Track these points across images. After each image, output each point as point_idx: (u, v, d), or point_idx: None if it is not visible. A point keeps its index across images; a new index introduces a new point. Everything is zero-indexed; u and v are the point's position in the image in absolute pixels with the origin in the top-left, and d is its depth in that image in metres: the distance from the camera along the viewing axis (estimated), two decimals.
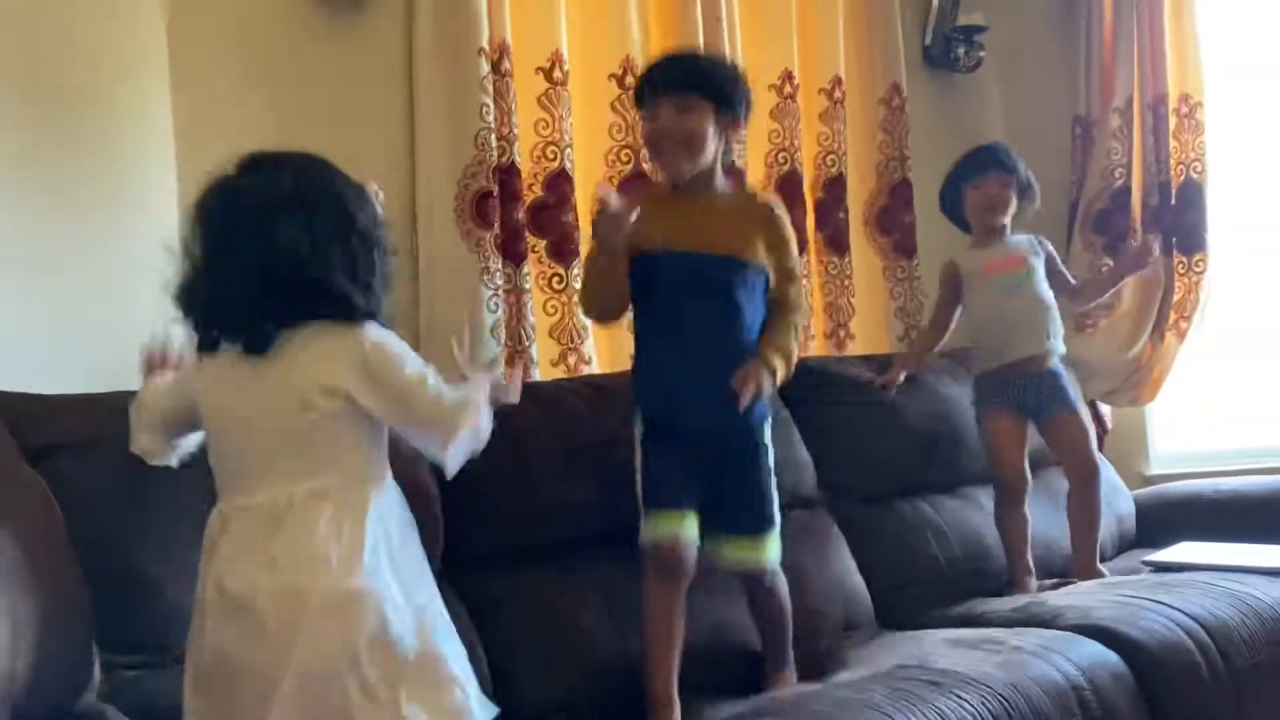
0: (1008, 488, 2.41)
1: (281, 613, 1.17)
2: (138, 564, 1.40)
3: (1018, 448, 2.42)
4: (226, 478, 1.29)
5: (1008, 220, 2.49)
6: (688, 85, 1.76)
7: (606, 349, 2.37)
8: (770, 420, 1.89)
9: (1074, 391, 2.49)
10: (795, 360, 1.85)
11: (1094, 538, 2.45)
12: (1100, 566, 2.44)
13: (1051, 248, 2.57)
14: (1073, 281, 2.60)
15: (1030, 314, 2.45)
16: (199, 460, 1.38)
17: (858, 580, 2.28)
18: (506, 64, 2.18)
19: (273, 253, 1.23)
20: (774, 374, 1.79)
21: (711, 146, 1.78)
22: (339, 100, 2.09)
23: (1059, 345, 2.46)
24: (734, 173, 2.39)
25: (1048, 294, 2.48)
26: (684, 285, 1.78)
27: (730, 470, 1.82)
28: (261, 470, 1.25)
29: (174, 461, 1.40)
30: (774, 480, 1.86)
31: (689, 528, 1.75)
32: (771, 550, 1.84)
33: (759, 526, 1.82)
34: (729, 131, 1.81)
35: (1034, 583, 2.37)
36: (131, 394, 1.47)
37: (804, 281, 1.94)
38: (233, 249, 1.25)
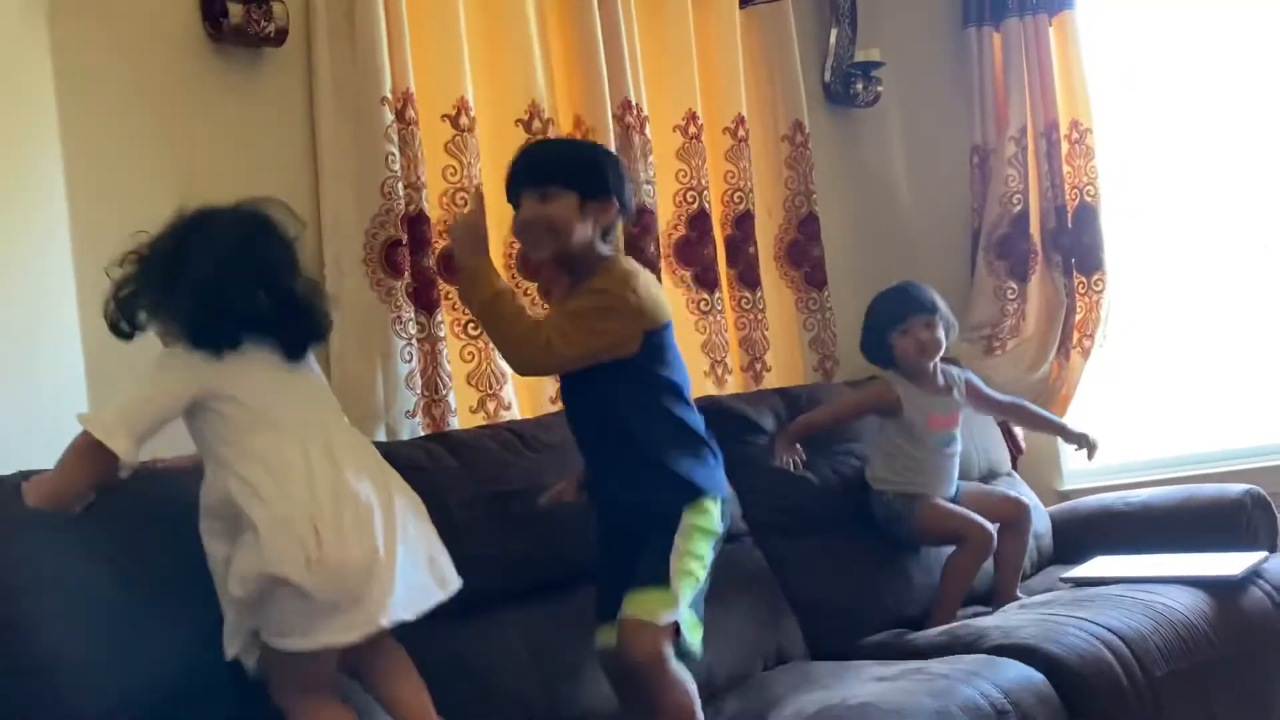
0: (984, 541, 2.40)
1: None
2: (38, 654, 1.34)
3: (963, 510, 2.44)
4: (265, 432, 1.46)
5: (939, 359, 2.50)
6: (545, 176, 1.77)
7: (527, 394, 2.36)
8: (685, 505, 1.75)
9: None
10: (488, 316, 1.73)
11: (1018, 570, 2.50)
12: (1020, 596, 2.48)
13: (971, 375, 2.60)
14: (998, 398, 2.64)
15: (953, 469, 2.50)
16: (95, 554, 1.38)
17: (787, 613, 2.29)
18: (411, 112, 2.17)
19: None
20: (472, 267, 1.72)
21: (579, 230, 1.76)
22: (240, 153, 2.06)
23: None
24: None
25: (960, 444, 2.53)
26: (563, 384, 1.85)
27: (631, 550, 1.75)
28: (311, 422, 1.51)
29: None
30: (675, 555, 1.71)
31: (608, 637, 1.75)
32: (643, 607, 1.67)
33: (640, 580, 1.69)
34: (599, 214, 1.78)
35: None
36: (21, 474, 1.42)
37: (567, 333, 1.72)
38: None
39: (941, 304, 2.50)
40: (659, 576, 1.68)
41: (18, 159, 1.76)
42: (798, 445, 2.49)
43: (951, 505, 2.45)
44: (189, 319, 1.45)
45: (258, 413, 1.45)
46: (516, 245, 2.28)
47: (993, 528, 2.42)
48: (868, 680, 1.92)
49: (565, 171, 1.77)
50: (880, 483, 2.49)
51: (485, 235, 1.82)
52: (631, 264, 1.82)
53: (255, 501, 1.39)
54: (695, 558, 1.73)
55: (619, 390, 1.76)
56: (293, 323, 1.52)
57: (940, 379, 2.52)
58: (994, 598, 2.47)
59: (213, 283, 1.45)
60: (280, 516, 1.38)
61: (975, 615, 2.36)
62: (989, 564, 2.48)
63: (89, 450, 1.39)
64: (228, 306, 1.45)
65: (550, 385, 2.37)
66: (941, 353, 2.49)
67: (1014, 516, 2.51)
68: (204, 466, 1.48)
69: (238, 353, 1.47)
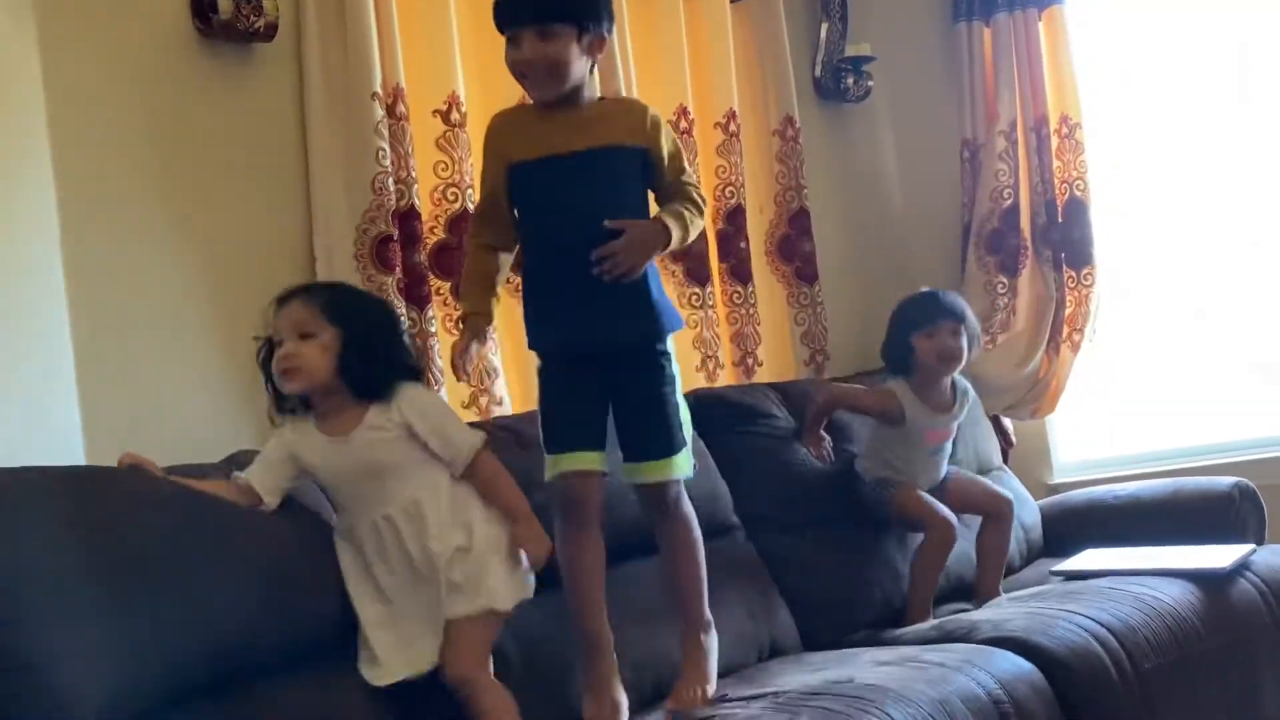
0: (945, 535, 2.40)
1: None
2: (32, 652, 1.33)
3: (933, 501, 2.44)
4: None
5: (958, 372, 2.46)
6: (548, 12, 1.74)
7: (519, 389, 2.36)
8: (670, 333, 1.84)
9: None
10: (692, 232, 1.80)
11: (1000, 569, 2.50)
12: (1003, 595, 2.47)
13: (972, 394, 2.55)
14: None
15: (941, 464, 2.50)
16: (89, 551, 1.38)
17: (780, 606, 2.30)
18: (402, 107, 2.17)
19: None
20: (665, 230, 1.75)
21: (577, 68, 1.77)
22: (230, 149, 2.05)
23: None
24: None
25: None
26: (555, 189, 1.78)
27: (632, 391, 1.80)
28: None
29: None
30: (680, 397, 1.83)
31: (586, 462, 1.78)
32: (679, 466, 1.82)
33: (666, 449, 1.80)
34: (594, 49, 1.80)
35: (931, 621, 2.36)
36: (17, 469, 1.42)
37: (696, 182, 1.88)
38: None
39: (970, 314, 2.46)
40: (682, 440, 1.82)
41: (6, 156, 1.75)
42: (824, 435, 2.49)
43: (924, 496, 2.43)
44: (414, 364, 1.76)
45: None
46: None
47: (954, 519, 2.41)
48: (868, 664, 1.93)
49: (568, 9, 1.75)
50: (868, 473, 2.49)
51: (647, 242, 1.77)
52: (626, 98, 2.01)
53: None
54: (678, 392, 1.85)
55: (628, 191, 1.79)
56: None
57: (948, 395, 2.47)
58: (975, 592, 2.47)
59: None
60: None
61: (957, 612, 2.36)
62: (973, 559, 2.50)
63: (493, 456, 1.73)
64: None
65: None
66: (962, 366, 2.44)
67: (995, 510, 2.50)
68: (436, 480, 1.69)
69: None
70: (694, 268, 2.68)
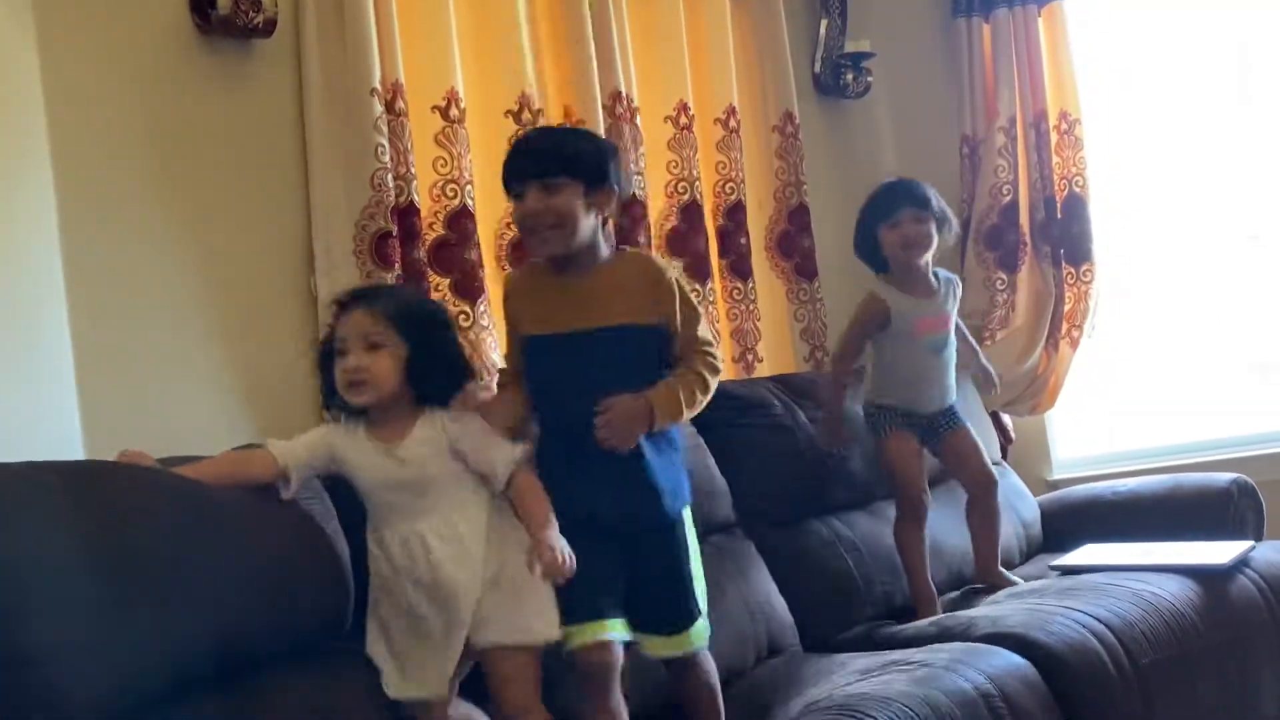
0: (916, 508, 2.41)
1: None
2: (31, 646, 1.33)
3: (921, 468, 2.44)
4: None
5: (929, 258, 2.45)
6: (551, 166, 1.71)
7: None
8: (689, 504, 1.82)
9: (963, 411, 2.53)
10: (690, 406, 1.75)
11: (995, 544, 2.50)
12: (1004, 571, 2.49)
13: (959, 284, 2.55)
14: (959, 324, 2.57)
15: (946, 373, 2.47)
16: (87, 544, 1.39)
17: (779, 602, 2.30)
18: (401, 103, 2.17)
19: None
20: (649, 409, 1.70)
21: (584, 223, 1.72)
22: (229, 145, 2.05)
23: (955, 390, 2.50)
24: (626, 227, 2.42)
25: (955, 346, 2.50)
26: (567, 366, 1.75)
27: (647, 563, 1.76)
28: None
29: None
30: (697, 566, 1.80)
31: (610, 632, 1.70)
32: (696, 639, 1.79)
33: (682, 623, 1.78)
34: (602, 204, 1.75)
35: (938, 607, 2.36)
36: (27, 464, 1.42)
37: (712, 343, 1.81)
38: None
39: (936, 199, 2.43)
40: (695, 612, 1.79)
41: (6, 156, 1.75)
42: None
43: (916, 457, 2.42)
44: None
45: None
46: (506, 237, 2.29)
47: (926, 498, 2.41)
48: (852, 675, 1.93)
49: (571, 161, 1.73)
50: (874, 395, 2.47)
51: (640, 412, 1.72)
52: (643, 251, 1.90)
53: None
54: (696, 561, 1.82)
55: (642, 369, 1.74)
56: None
57: (932, 280, 2.46)
58: (976, 574, 2.48)
59: None
60: None
61: (970, 592, 2.38)
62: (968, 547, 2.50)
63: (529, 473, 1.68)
64: None
65: None
66: (933, 249, 2.43)
67: (979, 489, 2.49)
68: (475, 501, 1.65)
69: None
70: (694, 264, 2.68)
